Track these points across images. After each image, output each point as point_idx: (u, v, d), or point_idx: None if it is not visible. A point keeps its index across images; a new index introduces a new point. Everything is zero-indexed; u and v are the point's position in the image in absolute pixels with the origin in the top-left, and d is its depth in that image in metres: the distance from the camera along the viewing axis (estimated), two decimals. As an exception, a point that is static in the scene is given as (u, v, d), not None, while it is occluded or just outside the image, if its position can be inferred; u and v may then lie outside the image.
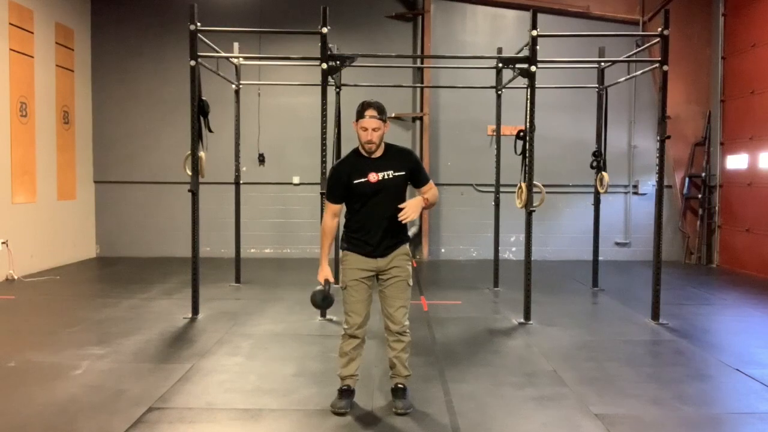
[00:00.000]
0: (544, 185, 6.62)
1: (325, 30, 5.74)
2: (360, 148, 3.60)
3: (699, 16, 10.13)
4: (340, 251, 3.73)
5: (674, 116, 9.74)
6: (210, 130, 6.32)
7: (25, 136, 8.43)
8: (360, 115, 3.51)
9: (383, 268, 3.63)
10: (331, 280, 3.68)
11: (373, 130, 3.48)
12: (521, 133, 6.12)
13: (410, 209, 3.43)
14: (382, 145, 3.61)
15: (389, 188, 3.56)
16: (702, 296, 7.53)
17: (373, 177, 3.52)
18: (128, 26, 10.32)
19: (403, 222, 3.45)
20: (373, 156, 3.57)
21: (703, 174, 10.09)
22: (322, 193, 5.91)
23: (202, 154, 6.13)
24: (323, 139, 5.93)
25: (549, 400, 3.90)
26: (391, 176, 3.55)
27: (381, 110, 3.53)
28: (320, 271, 3.68)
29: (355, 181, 3.53)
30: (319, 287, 3.65)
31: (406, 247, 3.70)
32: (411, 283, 3.74)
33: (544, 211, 8.35)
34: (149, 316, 6.04)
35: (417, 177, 3.65)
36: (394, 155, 3.63)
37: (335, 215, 3.66)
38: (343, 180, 3.56)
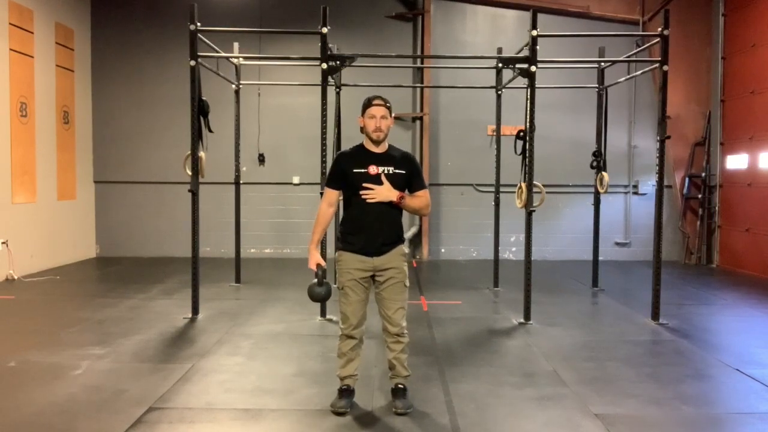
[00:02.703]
0: (544, 185, 6.62)
1: (325, 30, 5.74)
2: (366, 142, 3.64)
3: (699, 16, 10.13)
4: (336, 252, 3.71)
5: (674, 116, 9.74)
6: (210, 130, 6.32)
7: (25, 136, 8.44)
8: (367, 104, 3.60)
9: (379, 267, 3.61)
10: (323, 264, 3.62)
11: (381, 117, 3.56)
12: (521, 133, 6.12)
13: (378, 190, 3.51)
14: (387, 143, 3.65)
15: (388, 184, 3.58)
16: (702, 296, 7.53)
17: (373, 169, 3.55)
18: (128, 26, 10.32)
19: (365, 198, 3.50)
20: (378, 150, 3.61)
21: (703, 174, 10.09)
22: (322, 194, 5.93)
23: (202, 154, 6.13)
24: (323, 139, 5.93)
25: (549, 400, 3.90)
26: (390, 172, 3.57)
27: (387, 101, 3.64)
28: (310, 258, 3.63)
29: (355, 170, 3.55)
30: (314, 281, 3.59)
31: (402, 248, 3.70)
32: (408, 284, 3.72)
33: (544, 211, 8.34)
34: (149, 316, 6.04)
35: (414, 181, 3.67)
36: (397, 155, 3.67)
37: (331, 204, 3.68)
38: (342, 166, 3.60)
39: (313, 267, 3.60)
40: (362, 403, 3.77)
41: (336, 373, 3.75)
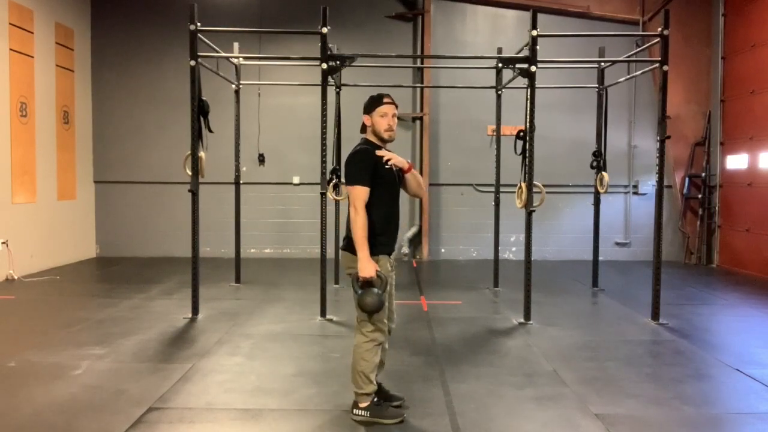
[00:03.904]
0: (544, 185, 6.61)
1: (325, 30, 5.74)
2: (375, 140, 3.50)
3: (699, 16, 10.13)
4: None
5: (674, 116, 9.74)
6: (210, 130, 6.32)
7: (25, 136, 8.43)
8: (378, 102, 3.46)
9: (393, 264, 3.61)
10: (380, 270, 3.36)
11: (393, 115, 3.47)
12: (521, 133, 6.12)
13: (394, 156, 3.44)
14: None
15: (400, 181, 3.58)
16: (702, 296, 7.53)
17: (395, 166, 3.48)
18: (128, 26, 10.32)
19: (387, 160, 3.40)
20: (387, 149, 3.54)
21: (703, 174, 10.09)
22: (322, 194, 5.95)
23: (202, 154, 6.13)
24: (323, 139, 5.92)
25: (549, 400, 3.90)
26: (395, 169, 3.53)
27: (393, 99, 3.55)
28: (368, 264, 3.28)
29: (387, 167, 3.42)
30: (374, 289, 3.28)
31: None
32: None
33: (544, 211, 8.34)
34: (149, 316, 6.04)
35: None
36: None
37: (365, 203, 3.36)
38: (374, 161, 3.39)
39: (374, 274, 3.29)
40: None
41: (368, 390, 3.46)
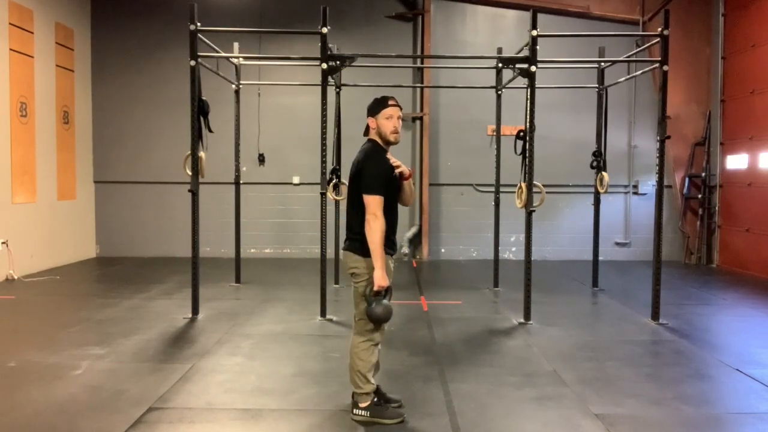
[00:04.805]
0: (544, 185, 6.61)
1: (325, 30, 5.74)
2: (381, 142, 3.47)
3: (699, 15, 10.13)
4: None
5: (674, 116, 9.74)
6: (210, 130, 6.32)
7: (25, 136, 8.43)
8: (383, 104, 3.43)
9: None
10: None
11: (398, 118, 3.44)
12: (521, 133, 6.12)
13: (402, 165, 3.44)
14: None
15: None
16: (702, 296, 7.52)
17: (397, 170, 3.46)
18: (128, 26, 10.32)
19: (399, 168, 3.39)
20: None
21: (703, 174, 10.09)
22: (322, 194, 5.95)
23: (202, 154, 6.13)
24: (323, 139, 5.93)
25: (549, 400, 3.90)
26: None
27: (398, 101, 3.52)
28: (383, 276, 3.29)
29: (395, 174, 3.41)
30: (384, 301, 3.31)
31: None
32: None
33: (544, 211, 8.34)
34: (149, 316, 6.04)
35: None
36: None
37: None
38: (390, 170, 3.38)
39: (388, 284, 3.32)
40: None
41: (367, 389, 3.49)
